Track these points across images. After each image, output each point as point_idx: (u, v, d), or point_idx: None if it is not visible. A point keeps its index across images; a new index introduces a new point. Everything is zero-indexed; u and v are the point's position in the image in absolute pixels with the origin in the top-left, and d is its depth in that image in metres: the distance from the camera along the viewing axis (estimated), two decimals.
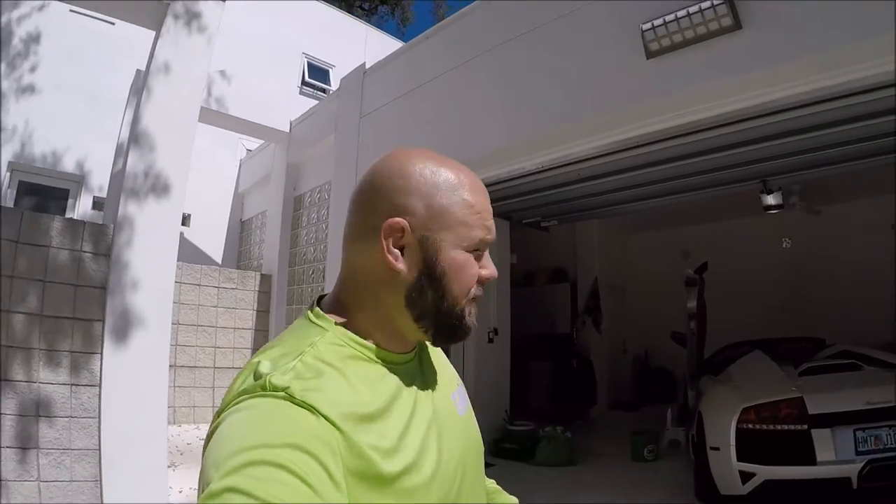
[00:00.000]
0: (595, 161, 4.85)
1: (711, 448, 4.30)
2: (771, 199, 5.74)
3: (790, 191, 6.35)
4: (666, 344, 9.27)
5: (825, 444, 3.82)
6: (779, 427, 3.93)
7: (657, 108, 3.67)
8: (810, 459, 3.82)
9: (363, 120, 5.80)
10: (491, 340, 6.79)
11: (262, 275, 7.44)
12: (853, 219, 8.17)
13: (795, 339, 6.32)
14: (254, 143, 9.85)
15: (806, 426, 3.87)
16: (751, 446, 3.99)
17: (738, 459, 3.99)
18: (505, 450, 6.24)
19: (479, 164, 4.56)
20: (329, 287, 1.10)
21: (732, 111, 3.64)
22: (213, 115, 7.17)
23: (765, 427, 3.96)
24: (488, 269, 1.01)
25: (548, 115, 4.03)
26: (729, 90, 3.41)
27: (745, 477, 3.98)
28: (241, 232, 10.24)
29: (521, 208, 6.78)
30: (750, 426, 4.00)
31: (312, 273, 6.47)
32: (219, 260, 9.83)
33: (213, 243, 9.94)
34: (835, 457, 3.80)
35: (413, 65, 5.36)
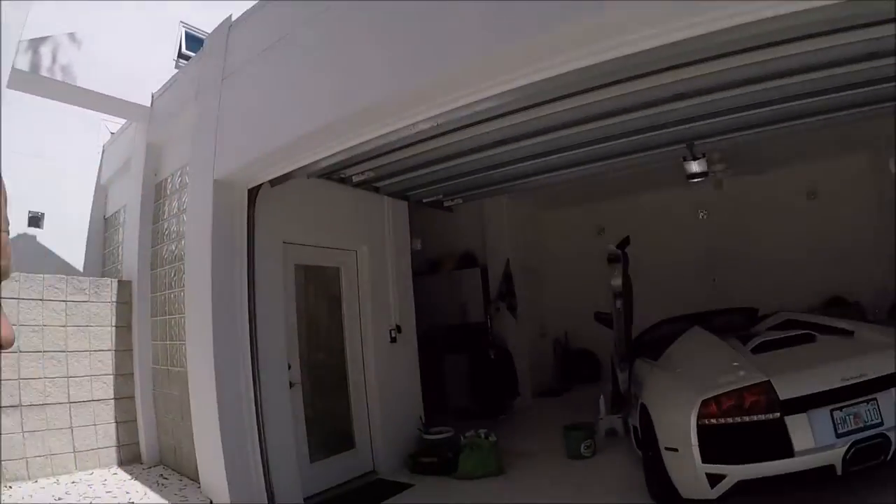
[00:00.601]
0: (502, 121, 4.07)
1: (667, 449, 3.67)
2: (696, 166, 5.19)
3: (712, 159, 5.89)
4: (586, 325, 8.76)
5: (802, 431, 3.28)
6: (747, 419, 3.33)
7: (578, 37, 2.86)
8: (787, 451, 3.26)
9: (225, 82, 4.66)
10: (394, 340, 5.92)
11: (119, 281, 6.11)
12: (771, 188, 8.08)
13: (729, 311, 5.93)
14: (119, 123, 8.14)
15: (778, 414, 3.30)
16: (717, 445, 3.36)
17: (704, 461, 3.36)
18: (423, 465, 5.39)
19: (363, 123, 3.68)
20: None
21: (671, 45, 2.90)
22: (55, 87, 5.70)
23: (731, 421, 3.34)
24: None
25: (446, 54, 3.14)
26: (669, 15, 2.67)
27: (714, 479, 3.35)
28: (105, 231, 8.58)
29: (419, 185, 5.91)
30: (713, 421, 3.37)
31: (176, 275, 5.31)
32: (80, 267, 8.13)
33: (73, 247, 8.28)
34: (814, 444, 3.27)
35: (285, 7, 4.31)
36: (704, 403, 3.40)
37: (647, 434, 4.13)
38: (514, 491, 4.78)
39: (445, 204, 6.83)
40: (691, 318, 5.79)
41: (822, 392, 3.33)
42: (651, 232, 8.06)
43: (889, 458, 3.28)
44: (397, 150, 4.50)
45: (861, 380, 3.36)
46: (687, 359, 4.28)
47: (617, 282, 5.37)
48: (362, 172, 5.24)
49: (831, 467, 3.22)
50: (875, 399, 3.34)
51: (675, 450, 3.57)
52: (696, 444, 3.37)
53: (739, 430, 3.33)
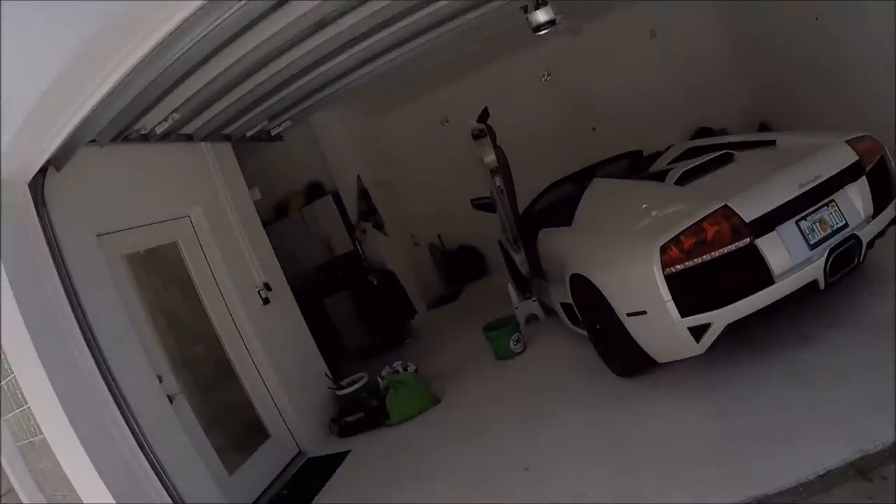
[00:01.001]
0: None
1: (631, 314, 3.30)
2: (541, 15, 4.64)
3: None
4: (457, 222, 8.52)
5: (777, 252, 3.02)
6: (716, 253, 2.97)
7: None
8: (767, 278, 3.00)
9: None
10: (266, 301, 5.02)
11: None
12: (614, 32, 7.94)
13: (613, 159, 5.65)
14: None
15: (748, 239, 2.99)
16: (692, 293, 3.01)
17: (683, 315, 3.01)
18: (350, 425, 4.80)
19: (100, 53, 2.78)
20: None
21: None
22: None
23: (699, 261, 2.98)
24: None
25: None
26: None
27: (699, 332, 3.05)
28: None
29: (236, 117, 4.86)
30: (680, 267, 2.99)
31: None
32: None
33: None
34: (791, 263, 3.04)
35: None
36: (664, 249, 3.01)
37: (592, 307, 3.79)
38: (459, 417, 4.36)
39: (273, 132, 5.82)
40: (580, 174, 5.55)
41: (784, 204, 3.08)
42: (500, 106, 7.67)
43: (863, 258, 3.20)
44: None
45: (818, 182, 3.15)
46: (612, 211, 3.89)
47: (490, 157, 4.88)
48: (164, 120, 4.15)
49: (814, 283, 3.06)
50: (833, 201, 3.18)
51: (643, 312, 3.22)
52: (669, 298, 3.01)
53: (712, 269, 2.99)
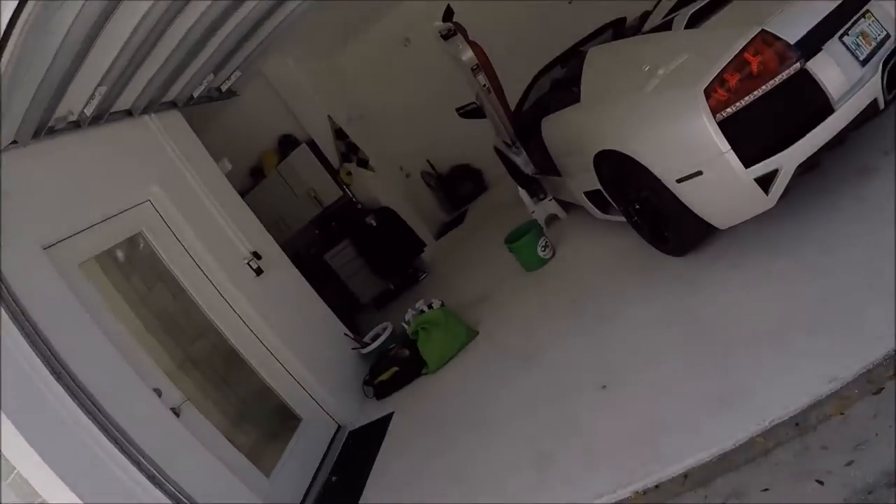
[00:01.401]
0: None
1: (682, 179, 2.77)
2: None
3: None
4: (442, 143, 7.89)
5: (830, 74, 2.51)
6: (769, 85, 2.47)
7: None
8: (827, 106, 2.50)
9: None
10: (259, 271, 4.38)
11: None
12: None
13: (598, 32, 4.94)
14: None
15: (799, 63, 2.47)
16: (752, 136, 2.53)
17: (747, 165, 2.52)
18: (386, 384, 4.33)
19: None
20: None
21: None
22: None
23: (752, 97, 2.48)
24: None
25: None
26: None
27: (766, 181, 2.56)
28: None
29: (171, 77, 4.17)
30: (732, 110, 2.49)
31: None
32: None
33: None
34: (848, 84, 2.52)
35: None
36: (709, 93, 2.50)
37: (628, 185, 3.31)
38: (507, 344, 3.84)
39: (223, 87, 5.12)
40: (566, 55, 4.94)
41: (823, 20, 2.55)
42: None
43: None
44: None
45: None
46: (628, 72, 3.26)
47: (468, 54, 4.23)
48: (91, 98, 3.56)
49: (874, 104, 2.52)
50: (868, 11, 2.64)
51: (697, 174, 2.69)
52: (728, 148, 2.51)
53: (767, 105, 2.50)
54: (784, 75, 2.46)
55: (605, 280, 3.68)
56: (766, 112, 2.50)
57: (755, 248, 2.91)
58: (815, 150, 2.51)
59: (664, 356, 2.66)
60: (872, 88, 2.51)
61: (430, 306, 4.53)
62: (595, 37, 4.92)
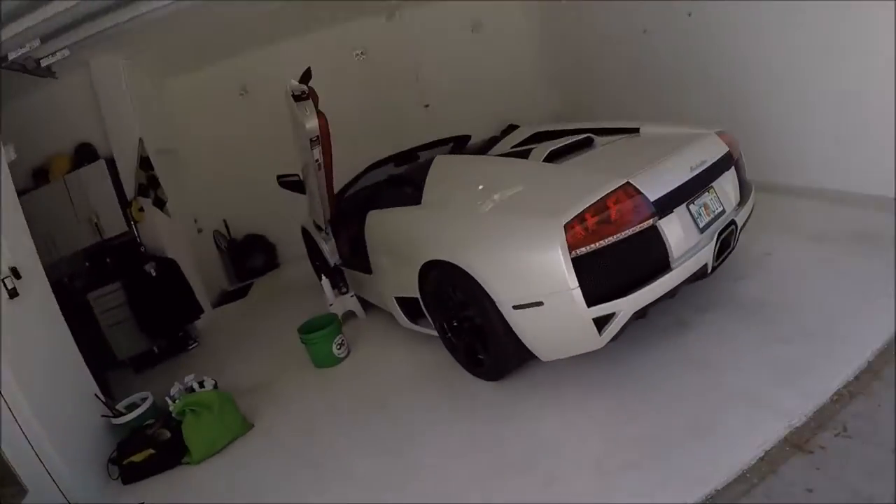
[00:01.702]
0: None
1: (519, 307, 2.84)
2: None
3: None
4: (246, 208, 7.50)
5: (675, 235, 2.87)
6: (622, 235, 2.70)
7: None
8: (667, 263, 2.83)
9: None
10: (14, 294, 3.42)
11: None
12: (431, 21, 7.56)
13: (440, 142, 5.32)
14: None
15: (652, 220, 2.77)
16: (599, 278, 2.69)
17: (589, 304, 2.66)
18: (139, 466, 3.54)
19: None
20: None
21: None
22: None
23: (605, 242, 2.67)
24: None
25: None
26: None
27: (602, 323, 2.73)
28: None
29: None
30: (586, 250, 2.65)
31: None
32: None
33: None
34: (687, 246, 2.91)
35: None
36: (569, 227, 2.64)
37: (451, 301, 3.35)
38: (287, 446, 3.41)
39: (44, 62, 4.30)
40: (402, 156, 5.22)
41: (679, 186, 2.95)
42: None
43: (736, 244, 3.24)
44: None
45: (704, 167, 3.12)
46: (480, 189, 3.38)
47: (312, 123, 4.06)
48: None
49: (704, 267, 2.96)
50: (712, 187, 3.18)
51: (537, 304, 2.78)
52: (576, 285, 2.64)
53: (618, 251, 2.70)
54: (638, 228, 2.73)
55: (407, 392, 3.56)
56: (615, 258, 2.70)
57: (572, 385, 3.08)
58: (652, 300, 2.78)
59: (476, 483, 2.62)
60: (706, 253, 2.94)
61: (201, 384, 4.02)
62: (435, 146, 5.25)
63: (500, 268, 2.92)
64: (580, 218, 2.67)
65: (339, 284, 4.91)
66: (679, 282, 2.86)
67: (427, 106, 7.30)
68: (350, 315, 4.97)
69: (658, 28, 5.75)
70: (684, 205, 2.97)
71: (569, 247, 2.64)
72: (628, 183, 2.80)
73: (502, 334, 3.02)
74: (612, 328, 2.76)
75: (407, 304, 3.98)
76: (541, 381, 3.22)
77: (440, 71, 7.72)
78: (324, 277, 4.85)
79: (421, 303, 3.68)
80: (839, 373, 2.62)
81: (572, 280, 2.65)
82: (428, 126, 7.05)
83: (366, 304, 4.95)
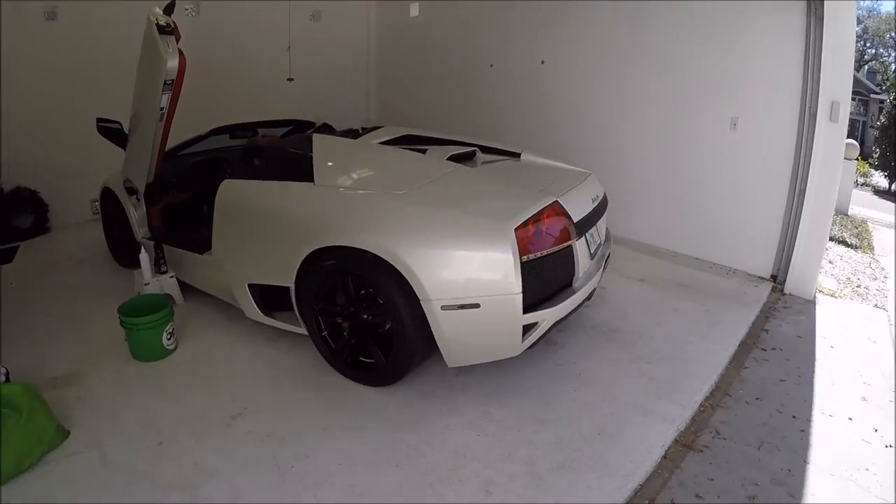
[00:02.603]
0: None
1: (451, 307, 2.68)
2: None
3: None
4: (25, 153, 5.71)
5: (582, 257, 3.06)
6: (555, 247, 2.81)
7: None
8: (571, 282, 2.99)
9: None
10: None
11: None
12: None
13: (281, 122, 4.86)
14: None
15: (572, 241, 2.92)
16: (532, 286, 2.71)
17: (525, 311, 2.67)
18: None
19: None
20: None
21: None
22: None
23: (543, 251, 2.75)
24: None
25: None
26: None
27: (525, 331, 2.75)
28: None
29: None
30: (528, 258, 2.67)
31: None
32: None
33: None
34: (586, 269, 3.12)
35: None
36: (517, 233, 2.65)
37: (341, 293, 3.01)
38: (134, 464, 2.53)
39: None
40: (245, 127, 4.70)
41: (587, 214, 3.15)
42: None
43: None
44: None
45: (598, 202, 3.37)
46: (401, 177, 3.15)
47: (173, 63, 3.33)
48: None
49: (594, 290, 3.24)
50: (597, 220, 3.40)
51: (474, 306, 2.65)
52: (521, 290, 2.62)
53: (546, 265, 2.77)
54: (563, 245, 2.84)
55: (278, 398, 3.00)
56: (543, 270, 2.76)
57: (461, 392, 3.02)
58: (565, 315, 2.89)
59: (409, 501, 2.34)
60: (597, 278, 3.21)
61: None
62: (275, 125, 4.83)
63: (436, 264, 2.71)
64: (524, 225, 2.68)
65: (159, 262, 4.01)
66: (582, 300, 3.05)
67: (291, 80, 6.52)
68: (167, 299, 4.04)
69: (506, 66, 6.08)
70: (590, 230, 3.18)
71: (521, 249, 2.62)
72: (557, 202, 2.90)
73: (412, 336, 2.81)
74: (533, 337, 2.80)
75: (264, 294, 3.43)
76: (427, 388, 3.07)
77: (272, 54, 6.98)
78: (143, 251, 3.88)
79: (292, 293, 3.20)
80: (699, 389, 3.13)
81: (518, 284, 2.61)
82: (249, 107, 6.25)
83: (186, 289, 4.13)
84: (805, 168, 4.16)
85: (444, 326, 2.71)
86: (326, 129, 4.74)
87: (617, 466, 2.50)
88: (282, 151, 3.83)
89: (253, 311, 3.47)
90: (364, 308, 2.97)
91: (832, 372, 3.45)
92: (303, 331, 3.30)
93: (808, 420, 2.96)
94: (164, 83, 3.42)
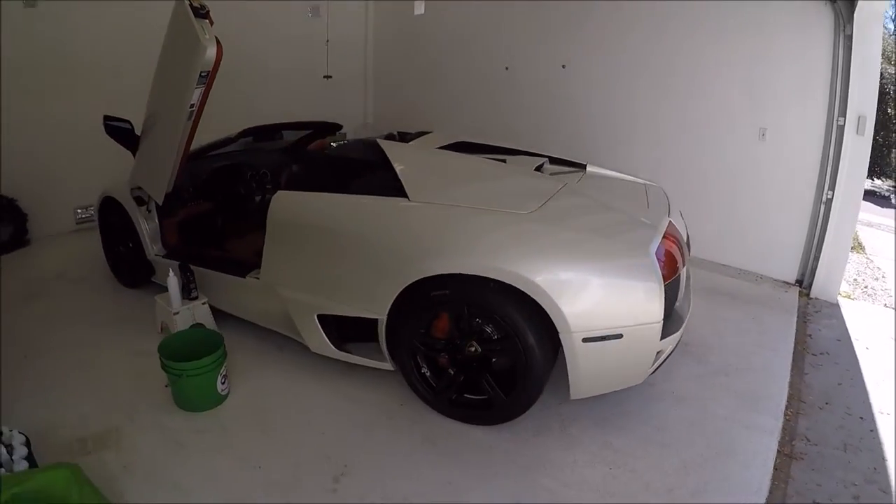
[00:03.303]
0: None
1: (592, 339, 2.44)
2: None
3: None
4: (9, 156, 4.87)
5: (684, 280, 2.93)
6: (678, 272, 2.66)
7: None
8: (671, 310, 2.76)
9: None
10: None
11: None
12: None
13: (306, 124, 4.36)
14: None
15: (685, 264, 2.81)
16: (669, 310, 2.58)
17: (664, 335, 2.54)
18: None
19: None
20: None
21: None
22: None
23: (672, 277, 2.59)
24: None
25: None
26: None
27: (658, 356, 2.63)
28: None
29: None
30: (666, 282, 2.50)
31: None
32: None
33: None
34: (681, 294, 2.93)
35: None
36: (658, 257, 2.50)
37: (466, 325, 2.67)
38: None
39: None
40: (268, 129, 4.24)
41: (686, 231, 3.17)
42: None
43: None
44: None
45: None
46: (511, 192, 2.93)
47: (212, 52, 2.87)
48: None
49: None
50: None
51: (616, 336, 2.44)
52: (662, 317, 2.46)
53: (673, 288, 2.62)
54: (683, 266, 2.70)
55: (380, 451, 2.60)
56: (670, 294, 2.57)
57: (574, 424, 2.84)
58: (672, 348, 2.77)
59: None
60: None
61: (7, 447, 2.24)
62: (299, 128, 4.37)
63: (577, 293, 2.48)
64: (659, 249, 2.53)
65: (188, 286, 3.52)
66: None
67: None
68: (199, 327, 3.55)
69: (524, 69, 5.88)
70: None
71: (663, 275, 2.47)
72: (672, 223, 2.80)
73: (541, 370, 2.57)
74: (657, 364, 2.68)
75: (337, 325, 3.02)
76: (538, 422, 2.85)
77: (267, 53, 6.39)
78: (171, 274, 3.36)
79: (381, 326, 2.81)
80: (780, 398, 3.19)
81: (661, 311, 2.46)
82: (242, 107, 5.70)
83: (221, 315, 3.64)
84: (833, 178, 4.32)
85: (581, 359, 2.49)
86: (335, 128, 4.37)
87: (744, 484, 2.48)
88: (350, 160, 3.43)
89: (323, 345, 3.05)
90: (483, 342, 2.68)
91: (874, 372, 3.62)
92: (386, 366, 2.96)
93: (873, 420, 3.10)
94: (199, 75, 2.97)
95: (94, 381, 3.05)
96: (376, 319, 2.80)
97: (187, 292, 3.50)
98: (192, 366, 2.77)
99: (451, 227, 2.66)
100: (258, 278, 3.28)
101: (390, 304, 2.72)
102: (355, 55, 7.38)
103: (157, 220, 3.86)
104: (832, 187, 4.33)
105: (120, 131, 3.65)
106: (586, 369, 2.53)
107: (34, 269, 4.47)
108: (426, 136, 3.91)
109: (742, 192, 4.79)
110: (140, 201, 3.85)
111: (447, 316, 2.72)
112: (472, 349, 2.69)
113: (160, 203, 3.67)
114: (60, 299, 4.00)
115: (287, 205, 3.11)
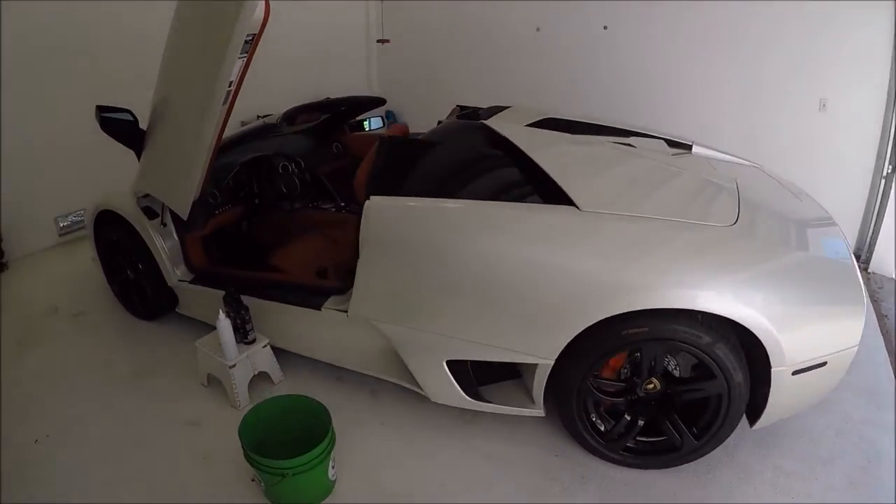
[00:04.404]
0: None
1: (802, 370, 2.09)
2: None
3: None
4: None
5: None
6: None
7: None
8: None
9: None
10: None
11: None
12: None
13: (349, 100, 3.94)
14: None
15: None
16: None
17: None
18: None
19: None
20: None
21: None
22: None
23: None
24: None
25: None
26: None
27: None
28: None
29: None
30: None
31: None
32: None
33: None
34: None
35: None
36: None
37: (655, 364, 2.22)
38: None
39: None
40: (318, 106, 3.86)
41: None
42: None
43: None
44: None
45: None
46: (699, 195, 2.50)
47: (259, 12, 2.22)
48: None
49: None
50: None
51: (821, 364, 2.11)
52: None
53: None
54: None
55: None
56: None
57: (738, 448, 2.52)
58: None
59: None
60: None
61: None
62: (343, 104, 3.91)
63: (793, 322, 2.08)
64: None
65: (244, 326, 2.77)
66: None
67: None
68: (263, 379, 2.86)
69: (557, 30, 5.31)
70: None
71: None
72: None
73: (739, 406, 2.21)
74: None
75: (475, 370, 2.46)
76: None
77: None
78: (222, 316, 2.60)
79: (541, 370, 2.26)
80: (889, 389, 2.97)
81: (860, 334, 2.15)
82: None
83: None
84: (894, 151, 4.17)
85: (785, 392, 2.14)
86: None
87: None
88: (465, 151, 2.65)
89: (452, 395, 2.45)
90: (670, 380, 2.27)
91: None
92: (537, 412, 2.44)
93: None
94: (245, 40, 2.26)
95: (142, 479, 2.31)
96: (537, 364, 2.27)
97: (242, 335, 2.77)
98: (297, 462, 2.09)
99: (649, 247, 2.13)
100: (342, 310, 2.61)
101: (564, 345, 2.18)
102: (356, 8, 6.39)
103: (175, 236, 3.05)
104: (893, 161, 4.19)
105: (120, 126, 2.82)
106: (787, 401, 2.22)
107: (20, 304, 3.56)
108: (503, 112, 3.19)
109: (799, 163, 4.49)
110: (150, 213, 3.02)
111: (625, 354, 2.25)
112: (651, 386, 2.27)
113: (185, 217, 2.87)
114: (61, 345, 3.17)
115: (394, 216, 2.38)
